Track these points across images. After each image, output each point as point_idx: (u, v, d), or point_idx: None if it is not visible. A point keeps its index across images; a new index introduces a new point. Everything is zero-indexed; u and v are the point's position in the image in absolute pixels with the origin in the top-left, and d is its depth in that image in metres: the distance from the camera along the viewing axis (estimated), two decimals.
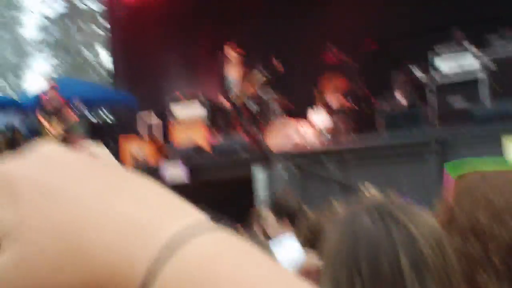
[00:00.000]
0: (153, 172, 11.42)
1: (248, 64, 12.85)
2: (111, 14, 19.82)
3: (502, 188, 1.61)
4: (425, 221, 1.38)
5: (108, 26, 20.82)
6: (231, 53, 12.43)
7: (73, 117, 13.49)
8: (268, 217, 4.99)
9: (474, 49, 11.55)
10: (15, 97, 22.85)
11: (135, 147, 13.57)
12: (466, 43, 11.80)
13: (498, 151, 8.78)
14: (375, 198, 1.60)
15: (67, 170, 0.60)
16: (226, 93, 12.44)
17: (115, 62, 19.75)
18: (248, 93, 12.31)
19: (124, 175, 0.62)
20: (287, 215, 4.83)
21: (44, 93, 13.71)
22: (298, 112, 13.27)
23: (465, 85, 11.34)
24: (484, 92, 11.14)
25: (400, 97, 12.19)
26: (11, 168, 0.60)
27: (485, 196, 1.60)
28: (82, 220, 0.58)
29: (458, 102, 11.33)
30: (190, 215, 0.60)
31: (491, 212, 1.57)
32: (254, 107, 12.97)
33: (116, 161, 0.68)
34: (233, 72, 12.47)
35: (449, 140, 9.21)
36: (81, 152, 0.65)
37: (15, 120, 16.21)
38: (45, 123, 13.22)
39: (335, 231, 1.41)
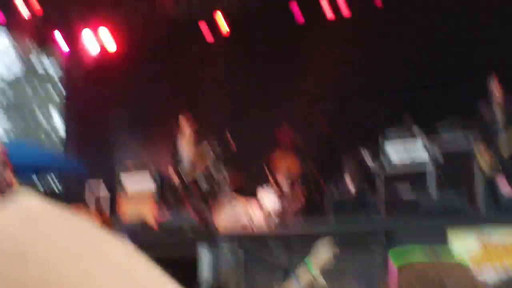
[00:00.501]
0: None
1: (200, 137, 12.83)
2: (67, 79, 19.78)
3: (454, 278, 1.71)
4: None
5: (64, 91, 20.76)
6: (184, 125, 12.41)
7: (16, 183, 13.21)
8: None
9: (423, 139, 11.71)
10: None
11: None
12: (416, 131, 11.97)
13: (443, 243, 8.83)
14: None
15: (45, 229, 0.59)
16: (176, 167, 12.36)
17: (67, 128, 19.61)
18: (199, 169, 12.25)
19: (104, 237, 0.63)
20: None
21: None
22: (248, 190, 13.24)
23: (414, 176, 11.48)
24: (432, 184, 11.27)
25: (350, 183, 12.25)
26: None
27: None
28: (54, 285, 0.55)
29: (405, 192, 11.43)
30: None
31: None
32: (204, 184, 12.90)
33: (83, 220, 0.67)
34: (185, 145, 12.43)
35: (395, 230, 9.23)
36: (61, 208, 0.64)
37: None
38: None
39: None
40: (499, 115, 10.25)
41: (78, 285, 0.56)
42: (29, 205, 0.61)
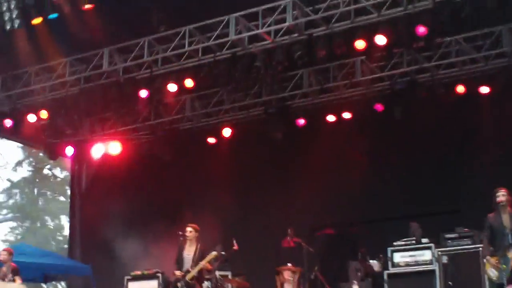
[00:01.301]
0: None
1: (205, 242, 12.80)
2: (75, 183, 19.95)
3: None
4: None
5: (71, 194, 20.91)
6: (192, 231, 12.40)
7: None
8: None
9: (428, 242, 11.71)
10: None
11: None
12: (420, 235, 11.97)
13: None
14: None
15: None
16: (182, 272, 12.29)
17: (73, 230, 19.61)
18: (208, 268, 12.18)
19: None
20: None
21: None
22: None
23: (419, 277, 11.43)
24: (437, 286, 11.20)
25: (354, 285, 12.16)
26: None
27: None
28: None
29: None
30: None
31: None
32: (208, 286, 12.81)
33: None
34: (189, 250, 12.38)
35: None
36: None
37: None
38: None
39: None
40: (506, 222, 10.22)
41: None
42: None
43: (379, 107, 14.49)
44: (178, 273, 12.15)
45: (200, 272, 12.02)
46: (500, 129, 13.39)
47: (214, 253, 12.10)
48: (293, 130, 15.21)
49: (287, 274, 12.74)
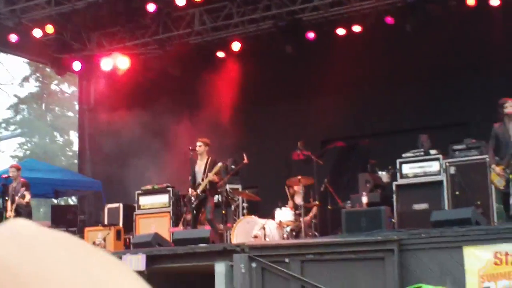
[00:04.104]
0: None
1: (217, 156, 12.93)
2: (83, 98, 19.98)
3: None
4: None
5: (79, 109, 20.98)
6: (201, 145, 12.51)
7: (30, 199, 13.30)
8: None
9: (437, 154, 11.81)
10: None
11: (97, 234, 13.49)
12: (429, 147, 12.06)
13: (456, 255, 8.88)
14: None
15: (41, 253, 0.57)
16: (192, 185, 12.45)
17: (82, 145, 19.75)
18: (215, 180, 12.34)
19: (103, 263, 0.59)
20: None
21: (7, 173, 13.57)
22: (264, 206, 13.34)
23: (426, 188, 11.58)
24: (445, 197, 11.36)
25: (363, 196, 12.33)
26: None
27: None
28: None
29: (418, 204, 11.52)
30: None
31: None
32: (219, 199, 13.00)
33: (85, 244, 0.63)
34: (200, 164, 12.52)
35: (407, 242, 9.27)
36: (59, 232, 0.61)
37: None
38: (6, 203, 13.05)
39: None
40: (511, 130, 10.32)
41: None
42: (22, 227, 0.60)
43: (389, 20, 14.37)
44: (191, 191, 12.33)
45: (212, 184, 12.20)
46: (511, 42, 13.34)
47: (220, 164, 12.25)
48: (303, 44, 15.11)
49: (297, 187, 12.89)
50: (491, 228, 9.78)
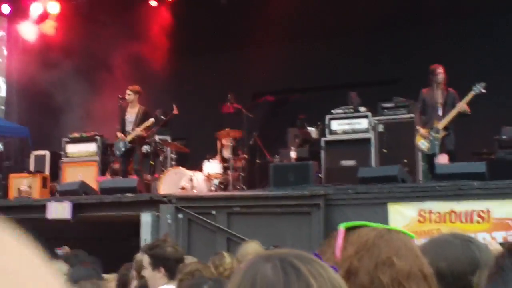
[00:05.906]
0: (37, 207, 11.16)
1: (147, 105, 12.80)
2: (10, 41, 19.42)
3: (403, 252, 1.68)
4: (327, 274, 1.35)
5: (7, 54, 20.40)
6: (131, 93, 12.34)
7: None
8: (146, 265, 4.82)
9: (365, 111, 11.92)
10: None
11: (23, 180, 13.27)
12: (359, 104, 12.16)
13: (382, 211, 9.03)
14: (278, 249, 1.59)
15: None
16: (121, 133, 12.32)
17: (10, 91, 19.27)
18: (143, 135, 12.24)
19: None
20: (163, 264, 4.73)
21: None
22: (192, 157, 13.31)
23: (354, 145, 11.71)
24: (372, 154, 11.51)
25: (292, 151, 12.41)
26: None
27: (388, 258, 1.66)
28: None
29: (346, 161, 11.66)
30: None
31: (393, 276, 1.64)
32: (147, 150, 12.92)
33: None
34: (130, 113, 12.38)
35: (333, 197, 9.39)
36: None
37: None
38: None
39: (236, 277, 1.39)
40: (438, 98, 10.52)
41: None
42: None
43: None
44: (119, 135, 12.23)
45: (139, 135, 12.11)
46: (451, 3, 13.45)
47: (151, 120, 12.16)
48: None
49: (226, 140, 12.88)
50: (416, 186, 9.99)
